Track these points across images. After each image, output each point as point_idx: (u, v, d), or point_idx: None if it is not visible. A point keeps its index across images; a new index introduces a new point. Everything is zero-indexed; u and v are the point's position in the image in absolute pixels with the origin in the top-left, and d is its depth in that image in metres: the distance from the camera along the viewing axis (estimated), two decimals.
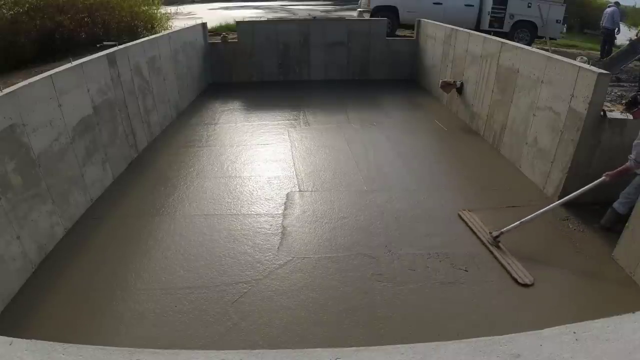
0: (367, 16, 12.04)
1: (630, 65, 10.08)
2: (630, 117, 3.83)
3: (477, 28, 11.61)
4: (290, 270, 3.51)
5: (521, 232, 4.00)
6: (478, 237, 3.90)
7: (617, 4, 11.32)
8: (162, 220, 4.22)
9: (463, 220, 4.18)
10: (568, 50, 12.24)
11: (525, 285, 3.31)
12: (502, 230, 3.76)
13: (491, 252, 3.70)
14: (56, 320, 2.96)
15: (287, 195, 4.69)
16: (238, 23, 9.56)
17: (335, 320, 3.00)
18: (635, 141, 3.48)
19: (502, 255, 3.65)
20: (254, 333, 2.90)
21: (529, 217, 3.78)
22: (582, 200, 4.23)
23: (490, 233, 3.82)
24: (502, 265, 3.54)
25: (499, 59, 5.75)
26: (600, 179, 3.64)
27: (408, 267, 3.55)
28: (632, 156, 3.47)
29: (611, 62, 9.47)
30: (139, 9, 12.49)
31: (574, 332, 1.05)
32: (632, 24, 17.72)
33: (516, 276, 3.38)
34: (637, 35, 10.19)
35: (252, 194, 4.73)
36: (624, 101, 3.80)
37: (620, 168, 3.57)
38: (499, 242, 3.75)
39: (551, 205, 3.90)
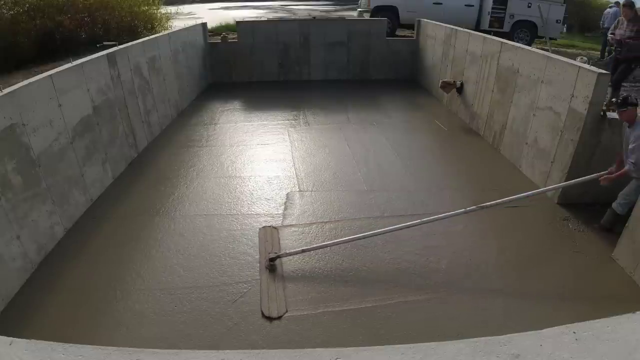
0: (367, 16, 12.03)
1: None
2: (617, 116, 3.77)
3: (477, 28, 11.61)
4: (290, 270, 3.51)
5: (521, 232, 4.02)
6: (260, 256, 3.62)
7: (617, 4, 11.31)
8: (162, 220, 4.22)
9: (259, 237, 3.89)
10: (568, 50, 12.24)
11: (269, 319, 2.99)
12: (280, 253, 3.51)
13: (259, 276, 3.40)
14: (56, 320, 2.96)
15: (287, 195, 4.69)
16: (238, 23, 9.56)
17: (336, 320, 3.01)
18: (631, 145, 3.47)
19: (269, 281, 3.33)
20: (254, 333, 2.90)
21: (317, 245, 3.58)
22: (582, 200, 4.27)
23: (269, 254, 3.55)
24: (260, 291, 3.24)
25: (499, 59, 5.75)
26: (594, 175, 3.69)
27: (408, 267, 3.55)
28: (631, 160, 3.46)
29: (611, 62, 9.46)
30: (139, 9, 12.48)
31: (574, 332, 1.05)
32: None
33: (263, 307, 3.07)
34: None
35: (252, 194, 4.73)
36: (613, 100, 3.74)
37: (619, 172, 3.58)
38: (273, 265, 3.47)
39: (386, 229, 3.57)
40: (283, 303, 3.13)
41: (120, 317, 3.03)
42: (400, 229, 3.56)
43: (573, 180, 3.92)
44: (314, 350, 1.04)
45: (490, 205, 3.58)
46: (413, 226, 3.58)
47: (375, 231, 3.63)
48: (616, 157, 3.78)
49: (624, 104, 3.57)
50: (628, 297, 3.19)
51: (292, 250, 3.57)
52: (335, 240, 3.66)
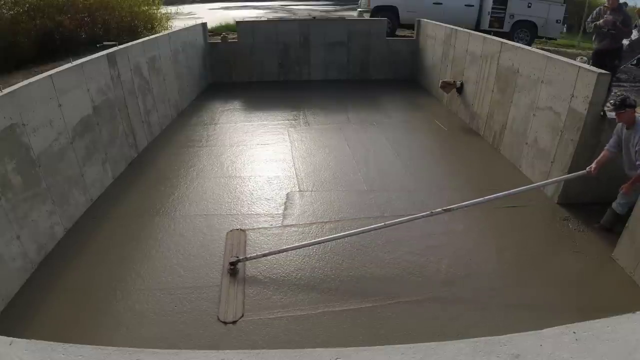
0: (367, 16, 12.03)
1: (631, 64, 10.08)
2: (615, 118, 3.71)
3: (477, 28, 11.61)
4: (290, 270, 3.52)
5: (521, 232, 4.02)
6: (223, 260, 3.57)
7: (625, 4, 11.26)
8: (162, 220, 4.22)
9: (225, 240, 3.84)
10: (568, 50, 12.23)
11: (224, 323, 2.96)
12: (240, 257, 3.49)
13: (221, 280, 3.36)
14: (56, 320, 2.96)
15: (287, 195, 4.69)
16: (238, 23, 9.56)
17: (335, 320, 3.01)
18: (638, 147, 3.45)
19: (229, 285, 3.30)
20: (254, 333, 2.90)
21: (282, 248, 3.56)
22: (582, 200, 4.27)
23: (231, 257, 3.51)
24: (220, 295, 3.20)
25: (499, 59, 5.75)
26: (583, 171, 3.71)
27: (408, 267, 3.55)
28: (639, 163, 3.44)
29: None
30: (139, 9, 12.48)
31: (574, 332, 1.05)
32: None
33: (219, 310, 3.04)
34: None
35: (252, 194, 4.73)
36: (611, 101, 3.70)
37: (633, 179, 3.51)
38: (234, 268, 3.42)
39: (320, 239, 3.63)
40: (240, 309, 3.07)
41: (120, 317, 3.03)
42: (358, 233, 3.56)
43: (548, 180, 3.96)
44: (314, 350, 1.04)
45: (457, 208, 3.51)
46: (374, 230, 3.49)
47: (329, 236, 3.61)
48: (605, 155, 3.71)
49: (622, 105, 3.52)
50: (628, 297, 3.19)
51: (254, 255, 3.54)
52: (298, 244, 3.61)
